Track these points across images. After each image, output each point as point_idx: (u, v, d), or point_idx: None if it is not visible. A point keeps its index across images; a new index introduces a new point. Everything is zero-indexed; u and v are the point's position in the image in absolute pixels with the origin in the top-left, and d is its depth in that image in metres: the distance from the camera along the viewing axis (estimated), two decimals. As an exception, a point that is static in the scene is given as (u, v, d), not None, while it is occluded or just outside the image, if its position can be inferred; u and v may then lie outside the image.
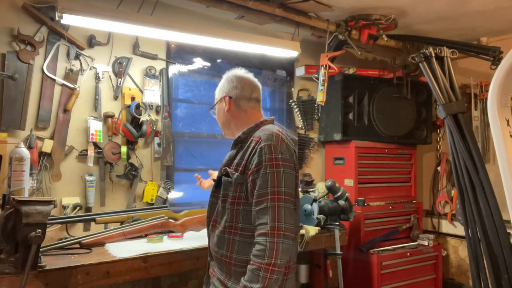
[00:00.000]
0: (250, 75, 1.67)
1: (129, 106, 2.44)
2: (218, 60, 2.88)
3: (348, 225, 2.85)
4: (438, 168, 3.55)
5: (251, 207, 1.42)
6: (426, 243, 3.16)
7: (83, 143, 2.36)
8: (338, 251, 2.50)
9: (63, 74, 2.30)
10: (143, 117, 2.47)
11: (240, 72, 1.67)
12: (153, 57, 2.60)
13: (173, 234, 2.19)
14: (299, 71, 3.20)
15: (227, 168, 1.53)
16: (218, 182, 1.57)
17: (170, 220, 2.23)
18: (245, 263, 1.42)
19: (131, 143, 2.47)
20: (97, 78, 2.40)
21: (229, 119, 1.63)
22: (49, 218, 1.64)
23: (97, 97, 2.40)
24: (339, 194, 2.57)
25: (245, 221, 1.46)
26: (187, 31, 2.33)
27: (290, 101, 3.21)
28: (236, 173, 1.48)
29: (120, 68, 2.47)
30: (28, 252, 1.48)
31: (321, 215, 2.48)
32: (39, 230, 1.50)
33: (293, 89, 3.27)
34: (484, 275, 2.37)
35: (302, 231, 2.31)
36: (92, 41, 2.39)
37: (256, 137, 1.49)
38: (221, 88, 1.67)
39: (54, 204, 1.60)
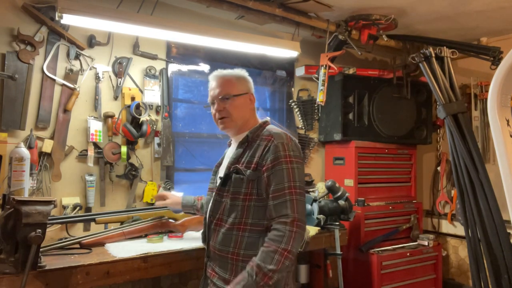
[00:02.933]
0: None
1: (129, 106, 2.44)
2: (218, 61, 2.88)
3: (348, 225, 2.85)
4: (438, 168, 3.54)
5: (262, 203, 1.50)
6: (426, 243, 3.16)
7: (83, 143, 2.36)
8: (338, 251, 2.50)
9: (63, 74, 2.30)
10: (143, 117, 2.47)
11: None
12: (153, 57, 2.60)
13: (173, 234, 2.19)
14: (299, 71, 3.20)
15: (237, 165, 1.56)
16: (224, 180, 1.59)
17: (170, 220, 2.23)
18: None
19: (131, 143, 2.47)
20: (97, 78, 2.40)
21: (246, 116, 1.66)
22: (49, 218, 1.64)
23: (97, 97, 2.40)
24: (339, 194, 2.57)
25: (255, 216, 1.51)
26: (187, 31, 2.33)
27: (290, 101, 3.21)
28: (248, 170, 1.52)
29: (120, 68, 2.47)
30: (28, 252, 1.48)
31: (321, 215, 2.48)
32: (39, 230, 1.50)
33: (293, 89, 3.27)
34: (484, 275, 2.37)
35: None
36: (92, 41, 2.39)
37: (265, 135, 1.56)
38: (245, 83, 1.68)
39: (54, 204, 1.60)
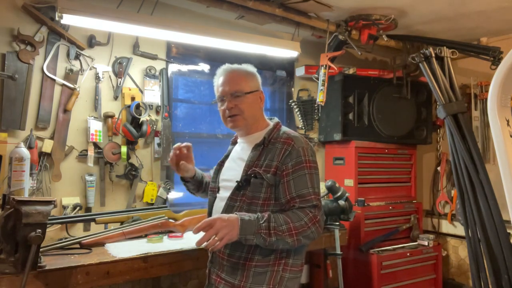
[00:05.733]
0: None
1: (129, 106, 2.44)
2: (218, 61, 2.88)
3: (348, 225, 2.85)
4: (438, 168, 3.54)
5: (279, 207, 1.48)
6: (426, 243, 3.16)
7: (83, 143, 2.36)
8: (338, 251, 2.50)
9: (63, 74, 2.30)
10: (143, 117, 2.47)
11: None
12: (153, 57, 2.60)
13: (173, 234, 2.19)
14: (299, 71, 3.20)
15: (255, 169, 1.51)
16: (241, 184, 1.52)
17: (170, 220, 2.23)
18: (268, 262, 1.47)
19: (131, 143, 2.47)
20: (97, 78, 2.40)
21: (257, 115, 1.62)
22: (49, 218, 1.64)
23: (97, 97, 2.40)
24: (339, 194, 2.57)
25: None
26: (187, 31, 2.33)
27: (290, 101, 3.21)
28: (268, 175, 1.48)
29: (120, 68, 2.47)
30: (28, 252, 1.48)
31: (321, 215, 2.48)
32: (39, 230, 1.50)
33: (293, 89, 3.27)
34: (484, 275, 2.37)
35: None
36: (92, 41, 2.39)
37: (284, 138, 1.53)
38: (255, 80, 1.64)
39: (54, 204, 1.60)
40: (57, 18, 2.01)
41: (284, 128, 1.61)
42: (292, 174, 1.47)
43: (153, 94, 2.57)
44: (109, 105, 2.45)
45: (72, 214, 2.23)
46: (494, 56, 2.82)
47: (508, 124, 1.97)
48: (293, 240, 1.40)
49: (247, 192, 1.50)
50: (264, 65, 3.08)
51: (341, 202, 2.57)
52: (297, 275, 1.54)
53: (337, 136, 3.04)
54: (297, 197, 1.46)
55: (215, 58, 2.84)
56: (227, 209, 1.54)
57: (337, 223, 2.53)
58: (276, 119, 1.67)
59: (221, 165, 1.71)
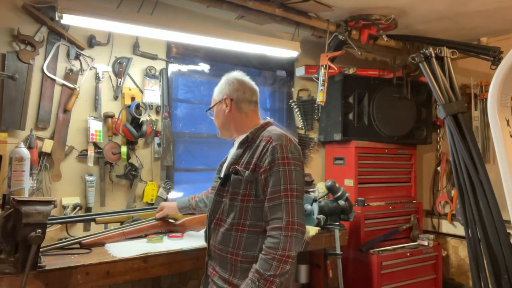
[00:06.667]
0: (249, 78, 1.72)
1: (129, 106, 2.44)
2: (218, 61, 2.88)
3: (348, 225, 2.85)
4: (438, 168, 3.54)
5: (260, 204, 1.49)
6: (426, 243, 3.16)
7: (83, 143, 2.36)
8: (338, 251, 2.50)
9: (63, 74, 2.30)
10: (143, 117, 2.47)
11: (240, 74, 1.71)
12: (153, 57, 2.60)
13: (173, 234, 2.19)
14: (299, 71, 3.20)
15: (236, 166, 1.56)
16: (224, 181, 1.59)
17: (170, 220, 2.23)
18: (252, 259, 1.47)
19: (131, 143, 2.47)
20: (97, 78, 2.40)
21: (229, 121, 1.67)
22: (49, 218, 1.64)
23: (97, 97, 2.40)
24: (339, 194, 2.58)
25: (253, 218, 1.51)
26: (187, 31, 2.33)
27: (290, 101, 3.22)
28: (247, 171, 1.52)
29: (120, 68, 2.47)
30: (28, 252, 1.48)
31: (321, 215, 2.48)
32: (39, 230, 1.51)
33: (293, 89, 3.27)
34: (484, 275, 2.37)
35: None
36: (92, 41, 2.39)
37: (265, 136, 1.54)
38: (221, 90, 1.69)
39: (54, 204, 1.60)
40: (57, 18, 2.01)
41: (271, 128, 1.62)
42: (268, 171, 1.47)
43: (153, 94, 2.57)
44: (109, 105, 2.45)
45: (72, 214, 2.23)
46: (494, 56, 2.82)
47: (508, 124, 1.97)
48: (291, 262, 1.40)
49: (229, 188, 1.56)
50: (264, 65, 3.08)
51: (341, 202, 2.57)
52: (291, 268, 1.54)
53: (337, 136, 3.04)
54: (268, 194, 1.47)
55: (215, 58, 2.85)
56: (215, 204, 1.60)
57: (337, 223, 2.53)
58: (268, 119, 1.69)
59: (222, 165, 1.76)
